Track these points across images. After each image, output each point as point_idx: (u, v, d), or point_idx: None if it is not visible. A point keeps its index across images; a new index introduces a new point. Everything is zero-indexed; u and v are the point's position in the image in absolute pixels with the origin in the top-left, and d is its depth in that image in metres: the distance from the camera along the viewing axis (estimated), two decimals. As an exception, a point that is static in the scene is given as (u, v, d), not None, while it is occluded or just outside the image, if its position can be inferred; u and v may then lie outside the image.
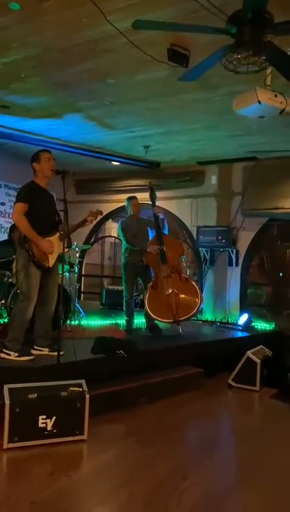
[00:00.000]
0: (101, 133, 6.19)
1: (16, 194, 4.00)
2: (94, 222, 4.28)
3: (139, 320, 5.76)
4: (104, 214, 8.47)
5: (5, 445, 2.76)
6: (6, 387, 2.87)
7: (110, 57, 4.03)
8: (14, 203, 3.82)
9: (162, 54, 3.75)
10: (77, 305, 6.19)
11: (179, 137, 6.23)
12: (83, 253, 8.31)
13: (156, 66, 4.04)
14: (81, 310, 6.19)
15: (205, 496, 2.42)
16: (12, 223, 6.33)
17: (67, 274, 5.93)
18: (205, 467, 2.78)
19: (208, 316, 6.98)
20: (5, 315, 4.94)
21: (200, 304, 5.22)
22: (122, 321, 5.78)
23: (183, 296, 5.17)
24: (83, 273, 8.83)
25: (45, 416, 2.88)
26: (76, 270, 6.39)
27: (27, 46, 3.92)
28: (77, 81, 4.58)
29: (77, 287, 6.75)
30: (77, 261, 6.44)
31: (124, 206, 5.94)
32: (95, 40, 3.77)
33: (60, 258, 4.05)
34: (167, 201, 7.55)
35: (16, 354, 3.66)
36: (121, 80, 4.52)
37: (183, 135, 6.12)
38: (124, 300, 5.55)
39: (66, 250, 3.93)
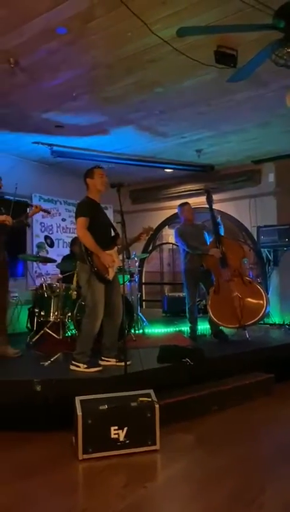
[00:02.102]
0: (153, 142, 6.24)
1: (74, 209, 4.12)
2: (146, 238, 4.32)
3: (204, 327, 5.69)
4: (161, 221, 8.60)
5: (80, 457, 2.82)
6: (77, 399, 2.94)
7: (156, 66, 4.07)
8: (76, 218, 3.91)
9: (209, 57, 3.71)
10: (140, 313, 6.24)
11: (231, 138, 6.13)
12: (142, 261, 8.38)
13: (204, 69, 4.02)
14: (144, 319, 6.24)
15: (286, 508, 2.31)
16: (72, 237, 6.59)
17: (128, 284, 6.01)
18: (283, 477, 2.66)
19: (275, 318, 6.74)
20: (72, 327, 5.09)
21: (266, 307, 5.05)
22: (186, 328, 5.73)
23: (247, 299, 5.04)
24: (143, 281, 8.90)
25: (116, 427, 2.91)
26: (136, 279, 6.45)
27: (76, 66, 4.05)
28: (126, 94, 4.66)
29: (138, 295, 6.81)
30: (137, 270, 6.50)
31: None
32: (141, 52, 3.82)
33: (120, 269, 4.11)
34: (224, 204, 7.43)
35: (85, 366, 3.74)
36: (169, 87, 4.54)
37: (236, 135, 6.01)
38: (187, 307, 5.51)
39: (125, 261, 3.98)
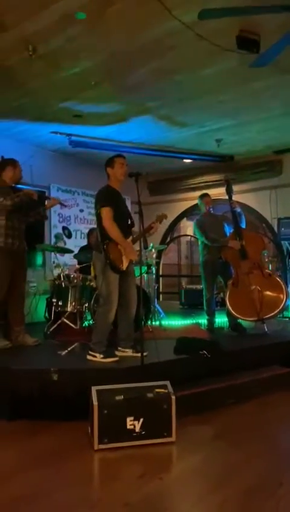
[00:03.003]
0: (172, 131, 6.16)
1: (92, 200, 4.08)
2: (158, 227, 4.13)
3: (221, 319, 5.62)
4: (179, 212, 8.52)
5: (96, 446, 2.81)
6: (93, 388, 2.92)
7: (176, 53, 3.99)
8: (100, 208, 3.81)
9: (231, 43, 3.62)
10: (157, 305, 6.21)
11: (252, 127, 6.01)
12: (159, 253, 8.34)
13: (224, 56, 3.93)
14: (161, 311, 6.20)
15: (305, 505, 2.26)
16: (90, 228, 6.59)
17: (145, 275, 5.98)
18: (302, 473, 2.60)
19: (294, 312, 6.63)
20: (89, 318, 5.09)
21: (286, 300, 4.94)
22: (203, 320, 5.68)
23: (267, 292, 4.95)
24: (160, 273, 8.86)
25: (132, 418, 2.88)
26: (153, 271, 6.42)
27: (95, 53, 4.01)
28: (145, 82, 4.60)
29: (156, 287, 6.78)
30: (154, 261, 6.46)
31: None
32: (161, 38, 3.75)
33: (138, 260, 4.07)
34: (244, 195, 7.32)
35: (102, 356, 3.73)
36: (188, 75, 4.46)
37: (257, 124, 5.89)
38: (205, 299, 5.44)
39: (142, 252, 3.92)
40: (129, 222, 4.00)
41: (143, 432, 2.89)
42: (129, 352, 3.91)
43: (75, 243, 7.16)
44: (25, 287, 4.55)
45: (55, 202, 4.74)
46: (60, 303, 5.00)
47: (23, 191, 4.25)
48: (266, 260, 6.46)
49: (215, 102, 5.15)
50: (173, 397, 2.98)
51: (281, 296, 4.93)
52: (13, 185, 4.34)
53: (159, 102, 5.15)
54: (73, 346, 4.14)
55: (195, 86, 4.69)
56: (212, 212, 5.51)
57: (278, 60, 3.56)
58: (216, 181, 7.42)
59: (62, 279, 5.12)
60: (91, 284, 5.05)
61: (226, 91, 4.83)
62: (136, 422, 2.89)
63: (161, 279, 8.84)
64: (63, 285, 5.05)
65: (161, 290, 8.78)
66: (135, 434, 2.88)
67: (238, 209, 5.34)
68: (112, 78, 4.54)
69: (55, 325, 4.94)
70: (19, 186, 4.48)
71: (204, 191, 6.09)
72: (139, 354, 3.49)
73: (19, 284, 4.36)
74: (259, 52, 3.61)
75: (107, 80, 4.57)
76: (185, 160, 7.47)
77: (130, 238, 3.93)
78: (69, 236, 7.41)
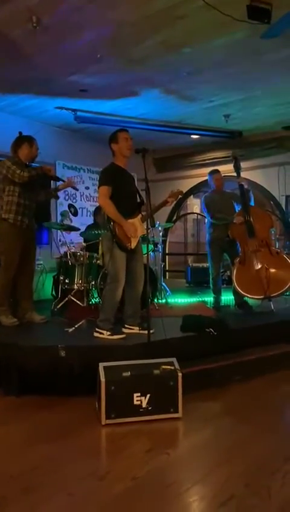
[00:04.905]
0: (179, 107, 6.04)
1: (98, 177, 4.04)
2: (174, 202, 4.18)
3: (228, 297, 5.62)
4: (185, 190, 8.42)
5: (103, 421, 2.85)
6: (101, 365, 2.95)
7: (184, 24, 3.86)
8: (98, 187, 3.85)
9: (241, 13, 3.49)
10: (163, 283, 6.22)
11: (262, 102, 5.87)
12: (166, 231, 8.29)
13: (235, 27, 3.79)
14: (167, 288, 6.21)
15: (310, 479, 2.29)
16: (96, 206, 6.55)
17: (152, 253, 5.96)
18: (308, 449, 2.63)
19: (301, 290, 6.59)
20: (95, 295, 5.11)
21: (292, 278, 4.92)
22: (209, 299, 5.68)
23: (274, 270, 4.92)
24: (167, 251, 8.84)
25: (139, 394, 2.91)
26: (160, 249, 6.40)
27: (100, 24, 3.89)
28: (152, 55, 4.47)
29: (162, 265, 6.77)
30: (161, 239, 6.43)
31: (206, 180, 5.76)
32: (168, 8, 3.63)
33: (144, 238, 4.04)
34: (252, 172, 7.21)
35: (109, 333, 3.75)
36: (197, 47, 4.33)
37: (267, 99, 5.74)
38: (211, 277, 5.43)
39: (149, 230, 3.89)
40: (139, 200, 3.95)
41: (150, 408, 2.92)
42: (136, 330, 3.93)
43: (81, 221, 7.14)
44: (34, 265, 4.57)
45: (68, 185, 4.63)
46: (66, 281, 5.02)
47: (42, 167, 4.19)
48: (274, 238, 6.40)
49: (224, 75, 5.01)
50: (180, 374, 3.00)
51: (289, 274, 4.90)
52: (28, 163, 4.29)
53: (167, 77, 5.03)
54: (80, 323, 4.16)
55: (204, 58, 4.56)
56: (223, 189, 5.43)
57: (290, 30, 3.45)
58: (224, 157, 7.30)
59: (69, 257, 5.12)
60: (98, 262, 5.05)
61: (236, 63, 4.69)
62: (142, 398, 2.92)
63: (167, 257, 8.83)
64: (70, 263, 5.06)
65: (167, 268, 8.78)
66: (141, 410, 2.91)
67: (246, 186, 5.26)
68: (118, 51, 4.41)
69: (62, 303, 4.97)
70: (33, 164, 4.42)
71: (211, 168, 6.00)
72: (145, 332, 3.51)
73: (29, 262, 4.38)
74: (270, 22, 3.48)
75: (113, 53, 4.45)
76: (192, 136, 7.34)
77: (140, 215, 3.89)
78: (75, 214, 7.38)
